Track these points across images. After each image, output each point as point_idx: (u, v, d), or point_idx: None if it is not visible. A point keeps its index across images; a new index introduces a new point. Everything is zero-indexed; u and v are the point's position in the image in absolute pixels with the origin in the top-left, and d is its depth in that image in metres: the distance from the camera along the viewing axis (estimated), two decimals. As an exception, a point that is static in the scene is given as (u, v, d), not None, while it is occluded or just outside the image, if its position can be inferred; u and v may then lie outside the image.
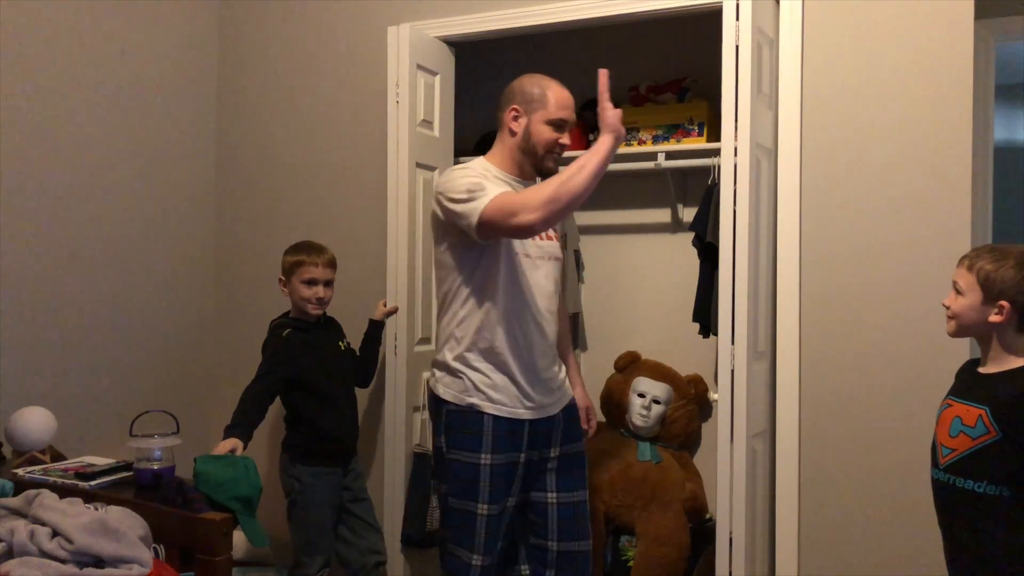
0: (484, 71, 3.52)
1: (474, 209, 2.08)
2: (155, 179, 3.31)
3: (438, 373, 2.31)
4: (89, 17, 3.04)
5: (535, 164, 2.28)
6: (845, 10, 2.56)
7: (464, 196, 2.12)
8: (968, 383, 1.86)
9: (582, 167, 2.02)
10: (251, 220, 3.51)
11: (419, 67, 2.98)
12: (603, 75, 2.10)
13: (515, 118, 2.27)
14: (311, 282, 2.74)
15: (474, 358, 2.23)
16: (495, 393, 2.22)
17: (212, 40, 3.56)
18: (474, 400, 2.23)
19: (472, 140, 3.47)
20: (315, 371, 2.75)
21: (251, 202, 3.51)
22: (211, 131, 3.56)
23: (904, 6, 2.49)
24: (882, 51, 2.52)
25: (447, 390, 2.27)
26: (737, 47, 2.43)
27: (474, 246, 2.19)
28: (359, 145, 3.25)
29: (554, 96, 2.25)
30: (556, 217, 2.04)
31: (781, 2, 2.62)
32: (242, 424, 2.53)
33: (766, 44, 2.57)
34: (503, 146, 2.31)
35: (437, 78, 3.07)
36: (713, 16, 2.53)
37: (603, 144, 2.05)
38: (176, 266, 3.42)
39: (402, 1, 3.16)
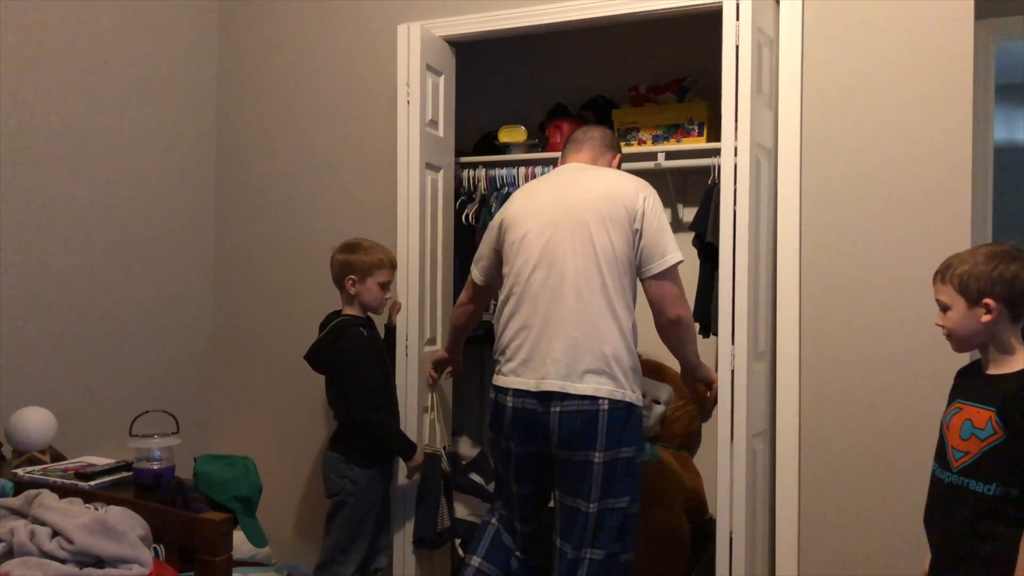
0: (480, 71, 3.51)
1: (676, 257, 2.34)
2: (155, 180, 3.31)
3: (623, 378, 2.30)
4: (88, 18, 3.03)
5: None
6: (845, 10, 2.56)
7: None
8: (977, 386, 1.85)
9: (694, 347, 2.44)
10: (252, 221, 3.51)
11: (428, 67, 2.97)
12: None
13: None
14: (385, 284, 2.75)
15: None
16: None
17: (213, 41, 3.55)
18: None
19: (467, 140, 3.46)
20: (389, 368, 2.81)
21: (252, 202, 3.51)
22: (212, 130, 3.56)
23: (904, 6, 2.49)
24: (882, 51, 2.52)
25: (635, 394, 2.32)
26: (737, 47, 2.43)
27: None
28: (365, 146, 3.24)
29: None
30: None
31: (781, 2, 2.62)
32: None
33: (766, 44, 2.57)
34: None
35: (442, 78, 3.06)
36: (713, 16, 2.53)
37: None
38: (176, 266, 3.41)
39: (402, 1, 3.16)
